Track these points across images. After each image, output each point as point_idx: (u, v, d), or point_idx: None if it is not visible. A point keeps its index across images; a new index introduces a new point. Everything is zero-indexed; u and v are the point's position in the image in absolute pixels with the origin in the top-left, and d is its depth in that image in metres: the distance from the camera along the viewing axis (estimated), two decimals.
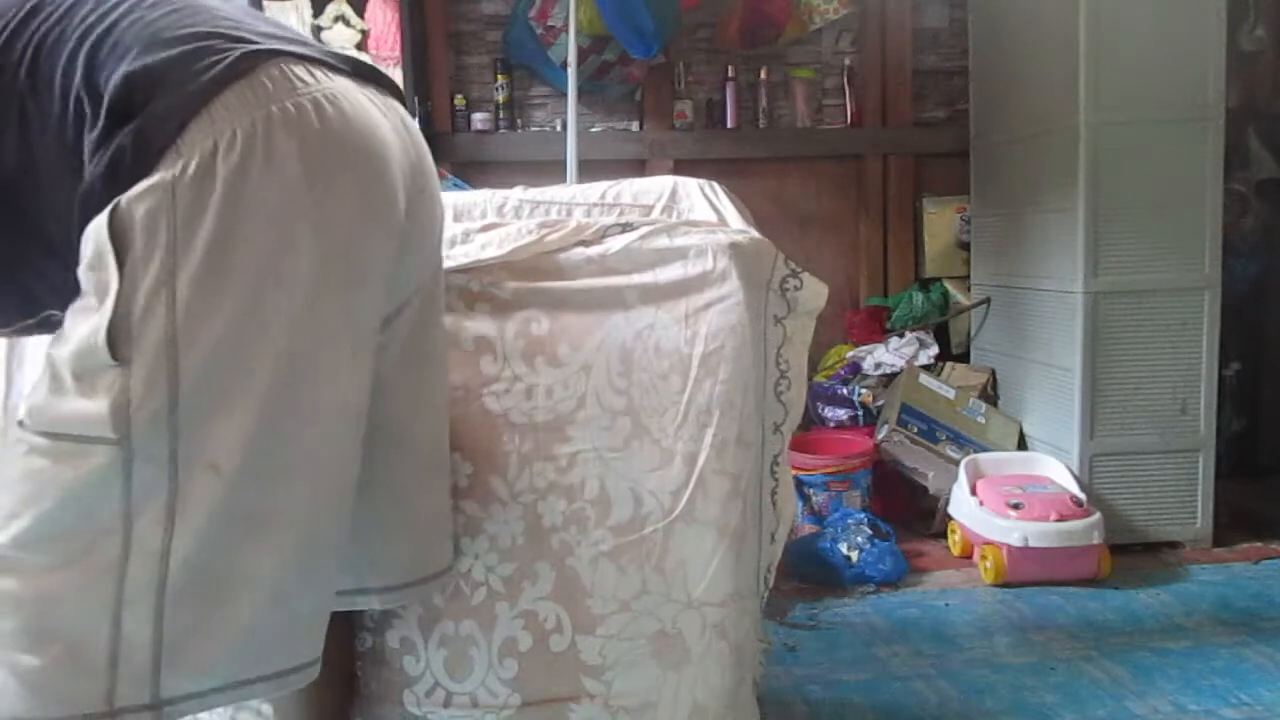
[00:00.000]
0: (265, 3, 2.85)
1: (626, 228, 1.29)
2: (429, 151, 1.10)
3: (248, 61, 0.88)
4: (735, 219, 1.49)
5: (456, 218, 1.52)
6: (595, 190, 1.58)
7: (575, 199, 1.57)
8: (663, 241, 1.28)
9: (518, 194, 1.56)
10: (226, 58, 0.88)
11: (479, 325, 1.30)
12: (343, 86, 0.95)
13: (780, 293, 1.34)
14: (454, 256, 1.30)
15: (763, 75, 3.42)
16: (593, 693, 1.28)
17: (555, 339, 1.29)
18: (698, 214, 1.53)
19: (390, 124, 1.01)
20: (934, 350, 3.25)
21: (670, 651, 1.28)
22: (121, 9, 0.91)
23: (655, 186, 1.59)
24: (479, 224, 1.36)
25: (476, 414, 1.30)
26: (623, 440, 1.29)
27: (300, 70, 0.92)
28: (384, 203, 0.97)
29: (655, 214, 1.56)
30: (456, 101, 3.34)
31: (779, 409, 1.36)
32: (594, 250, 1.29)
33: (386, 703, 1.33)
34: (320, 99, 0.91)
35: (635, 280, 1.29)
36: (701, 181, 1.58)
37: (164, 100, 0.85)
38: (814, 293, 1.36)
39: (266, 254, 0.87)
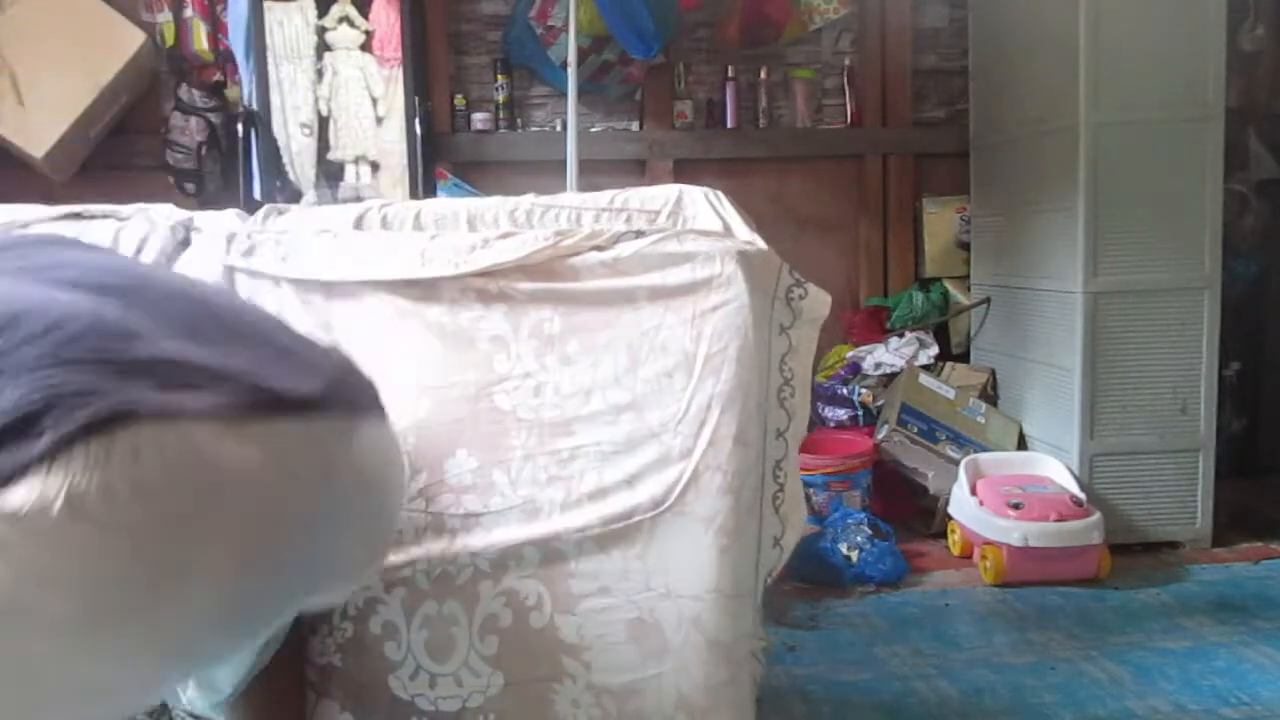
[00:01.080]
0: (268, 5, 2.84)
1: (639, 234, 1.32)
2: (378, 467, 1.05)
3: (106, 424, 0.81)
4: (740, 227, 1.51)
5: (471, 224, 1.56)
6: (603, 197, 1.62)
7: (585, 204, 1.60)
8: (673, 246, 1.31)
9: (529, 200, 1.59)
10: (88, 407, 0.81)
11: (494, 325, 1.34)
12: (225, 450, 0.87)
13: (785, 302, 1.36)
14: (474, 260, 1.33)
15: (763, 75, 3.43)
16: (573, 673, 1.32)
17: (566, 338, 1.33)
18: (702, 221, 1.55)
19: (301, 463, 0.94)
20: (934, 350, 3.25)
21: (647, 639, 1.31)
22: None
23: (661, 194, 1.62)
24: (496, 232, 1.39)
25: (485, 411, 1.34)
26: (624, 435, 1.32)
27: (169, 435, 0.84)
28: (260, 549, 0.91)
29: (661, 220, 1.58)
30: (456, 101, 3.34)
31: (782, 415, 1.38)
32: (607, 254, 1.32)
33: (372, 690, 1.36)
34: (180, 456, 0.84)
35: (645, 281, 1.31)
36: (706, 190, 1.60)
37: (11, 450, 0.80)
38: (818, 302, 1.39)
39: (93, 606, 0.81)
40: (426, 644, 1.34)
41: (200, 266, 1.44)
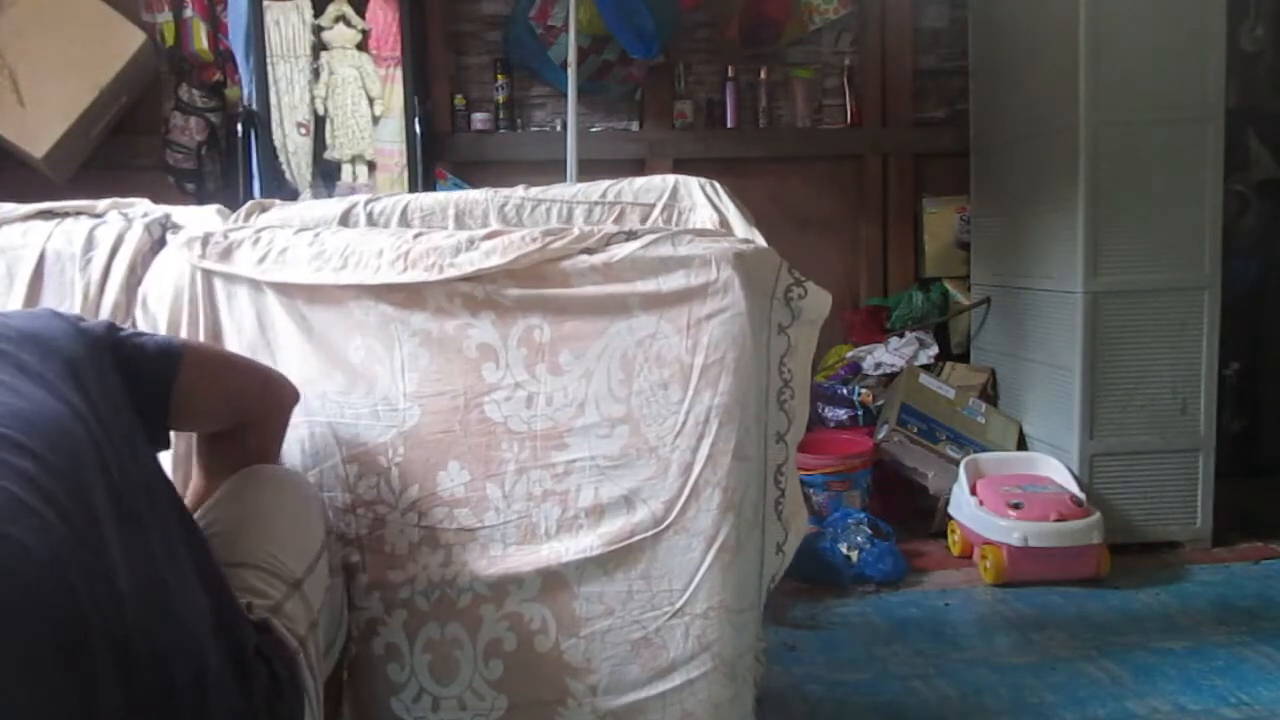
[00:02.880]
0: (266, 4, 2.84)
1: (631, 235, 1.29)
2: None
3: None
4: (737, 219, 1.49)
5: (459, 219, 1.53)
6: (596, 189, 1.59)
7: (577, 197, 1.57)
8: (666, 249, 1.28)
9: (519, 193, 1.56)
10: None
11: (482, 332, 1.31)
12: None
13: (784, 301, 1.34)
14: (459, 264, 1.29)
15: (763, 75, 3.42)
16: (579, 696, 1.31)
17: (557, 346, 1.29)
18: (699, 213, 1.53)
19: None
20: (934, 350, 3.25)
21: (653, 659, 1.30)
22: None
23: (656, 185, 1.59)
24: (483, 231, 1.34)
25: (476, 422, 1.31)
26: (619, 449, 1.30)
27: None
28: None
29: (656, 212, 1.55)
30: (456, 101, 3.33)
31: (782, 418, 1.36)
32: (598, 258, 1.28)
33: (374, 711, 1.34)
34: None
35: (639, 288, 1.28)
36: (702, 180, 1.57)
37: None
38: (818, 301, 1.36)
39: None
40: (430, 666, 1.32)
41: (175, 268, 1.39)
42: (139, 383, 1.06)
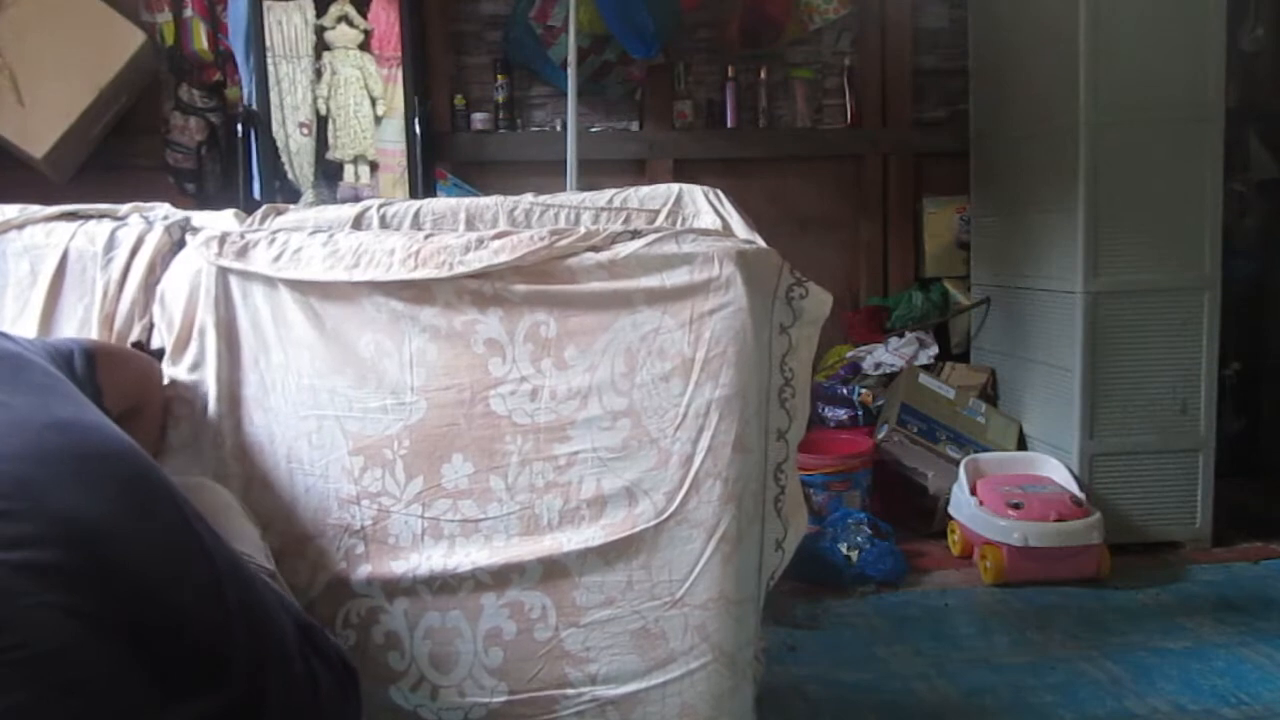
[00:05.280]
0: (268, 4, 2.84)
1: (635, 234, 1.31)
2: None
3: None
4: (740, 225, 1.51)
5: (470, 223, 1.56)
6: (603, 196, 1.63)
7: (584, 203, 1.60)
8: (670, 248, 1.30)
9: (528, 199, 1.59)
10: None
11: (489, 328, 1.33)
12: None
13: (786, 301, 1.35)
14: (468, 262, 1.31)
15: (763, 75, 3.43)
16: (578, 685, 1.32)
17: (563, 341, 1.31)
18: (703, 219, 1.55)
19: None
20: (934, 350, 3.25)
21: (653, 649, 1.31)
22: None
23: (661, 192, 1.63)
24: (492, 231, 1.37)
25: (481, 415, 1.33)
26: (621, 441, 1.31)
27: None
28: None
29: (661, 219, 1.59)
30: (456, 101, 3.34)
31: (783, 416, 1.37)
32: (603, 255, 1.30)
33: (372, 699, 1.35)
34: None
35: (642, 284, 1.30)
36: (706, 188, 1.60)
37: None
38: (819, 301, 1.37)
39: None
40: (430, 655, 1.33)
41: (193, 267, 1.43)
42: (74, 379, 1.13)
